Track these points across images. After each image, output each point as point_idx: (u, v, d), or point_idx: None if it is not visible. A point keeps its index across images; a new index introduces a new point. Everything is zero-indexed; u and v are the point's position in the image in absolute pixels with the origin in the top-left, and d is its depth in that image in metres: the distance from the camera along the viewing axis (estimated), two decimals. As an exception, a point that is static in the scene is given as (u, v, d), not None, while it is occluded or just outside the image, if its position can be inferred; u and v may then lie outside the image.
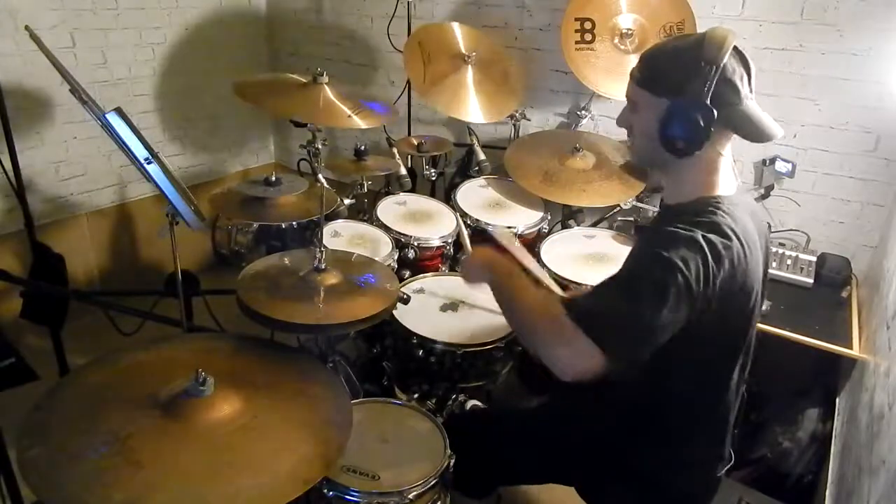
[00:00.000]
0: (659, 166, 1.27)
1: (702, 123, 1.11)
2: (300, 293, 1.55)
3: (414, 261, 2.20)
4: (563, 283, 1.99)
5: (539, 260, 2.14)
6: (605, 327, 1.07)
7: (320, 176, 2.38)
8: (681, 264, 1.06)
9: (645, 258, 1.13)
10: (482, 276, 1.35)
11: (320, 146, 2.40)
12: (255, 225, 2.23)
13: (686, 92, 1.12)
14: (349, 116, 1.84)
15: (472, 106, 2.47)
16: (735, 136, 1.20)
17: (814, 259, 2.16)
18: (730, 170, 1.24)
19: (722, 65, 1.11)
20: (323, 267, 1.60)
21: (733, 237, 1.13)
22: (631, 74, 1.23)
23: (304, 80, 1.99)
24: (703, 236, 1.10)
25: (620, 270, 1.16)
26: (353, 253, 1.86)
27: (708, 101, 1.11)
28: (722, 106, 1.12)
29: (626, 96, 1.25)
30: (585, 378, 1.08)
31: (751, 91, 1.16)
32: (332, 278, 1.60)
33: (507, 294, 1.27)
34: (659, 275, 1.07)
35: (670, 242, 1.09)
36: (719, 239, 1.11)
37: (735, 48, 1.13)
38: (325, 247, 1.62)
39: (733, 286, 1.14)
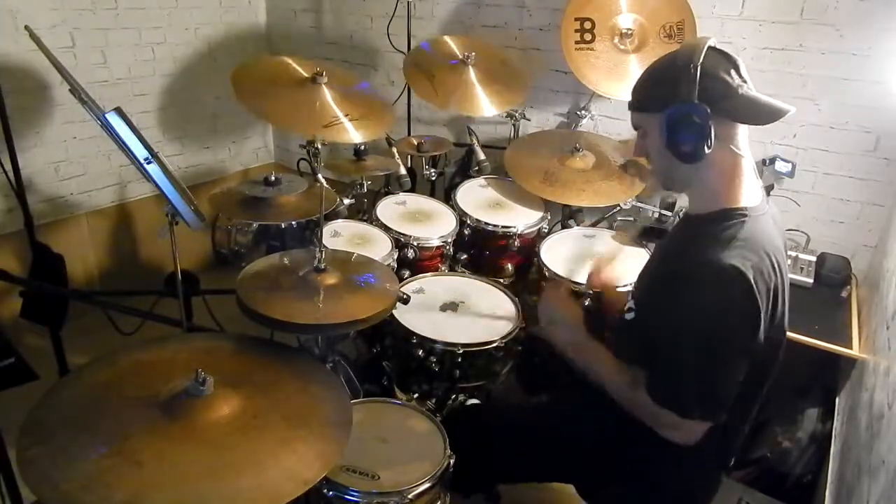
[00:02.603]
0: (683, 182, 1.29)
1: (698, 120, 1.14)
2: (300, 293, 1.54)
3: (414, 261, 2.20)
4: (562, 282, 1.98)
5: (539, 260, 2.15)
6: (700, 404, 1.18)
7: (320, 176, 2.38)
8: (741, 306, 1.12)
9: (704, 310, 1.15)
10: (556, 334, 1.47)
11: (320, 146, 2.39)
12: (255, 225, 2.22)
13: (676, 99, 1.16)
14: (328, 125, 1.85)
15: (483, 100, 2.48)
16: (748, 128, 1.22)
17: (814, 259, 2.16)
18: (753, 176, 1.25)
19: (700, 64, 1.14)
20: (323, 267, 1.59)
21: (764, 254, 1.16)
22: (629, 106, 1.30)
23: (305, 75, 1.99)
24: (743, 265, 1.12)
25: (682, 333, 1.18)
26: (353, 253, 1.86)
27: (696, 100, 1.14)
28: (715, 100, 1.15)
29: (633, 126, 1.31)
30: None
31: (743, 80, 1.19)
32: (331, 278, 1.59)
33: (587, 367, 1.37)
34: (728, 327, 1.13)
35: (719, 283, 1.12)
36: (754, 258, 1.14)
37: (712, 47, 1.18)
38: (324, 247, 1.62)
39: (771, 303, 1.18)
